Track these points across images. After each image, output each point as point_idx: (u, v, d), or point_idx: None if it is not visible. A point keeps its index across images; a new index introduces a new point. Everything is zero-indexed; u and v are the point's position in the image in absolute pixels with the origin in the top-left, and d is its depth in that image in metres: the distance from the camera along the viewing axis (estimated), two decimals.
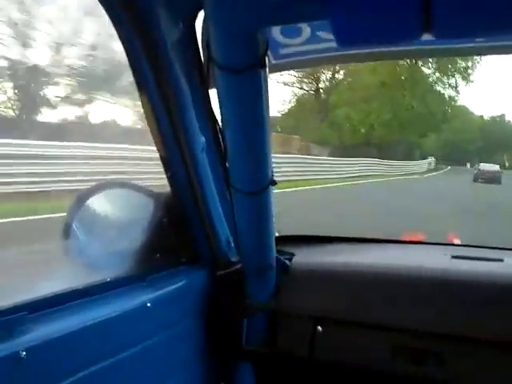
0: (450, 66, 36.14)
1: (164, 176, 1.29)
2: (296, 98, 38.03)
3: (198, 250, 1.40)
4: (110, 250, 1.35)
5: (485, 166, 31.97)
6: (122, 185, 1.52)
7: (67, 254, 1.40)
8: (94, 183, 1.45)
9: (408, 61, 31.90)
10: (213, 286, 1.41)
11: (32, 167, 9.49)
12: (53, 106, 11.05)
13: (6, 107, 10.13)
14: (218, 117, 1.21)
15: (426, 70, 37.83)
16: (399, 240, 1.93)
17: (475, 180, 29.55)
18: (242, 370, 1.52)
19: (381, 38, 0.88)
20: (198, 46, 1.17)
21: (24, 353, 0.83)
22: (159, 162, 1.26)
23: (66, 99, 10.89)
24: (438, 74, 37.69)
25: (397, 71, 34.96)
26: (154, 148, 1.24)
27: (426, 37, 0.84)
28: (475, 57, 30.54)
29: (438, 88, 38.34)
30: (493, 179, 28.56)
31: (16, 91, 10.05)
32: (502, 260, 1.48)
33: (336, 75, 37.20)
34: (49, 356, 0.90)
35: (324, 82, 37.73)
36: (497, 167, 32.04)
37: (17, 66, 9.19)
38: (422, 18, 0.78)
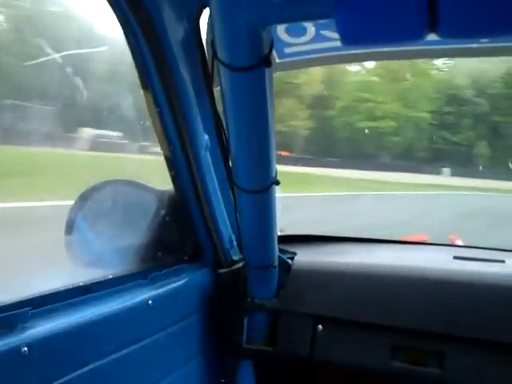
0: None
1: None
2: None
3: (201, 248, 1.41)
4: (112, 247, 1.36)
5: None
6: (126, 182, 1.52)
7: (70, 250, 1.40)
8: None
9: None
10: (214, 285, 1.41)
11: None
12: None
13: None
14: (222, 115, 1.21)
15: None
16: (401, 240, 1.93)
17: None
18: (242, 368, 1.52)
19: (386, 37, 0.88)
20: (202, 44, 1.17)
21: (26, 348, 0.83)
22: None
23: None
24: None
25: None
26: None
27: (432, 37, 0.84)
28: None
29: None
30: None
31: None
32: (503, 261, 1.48)
33: None
34: (50, 352, 0.90)
35: None
36: None
37: None
38: (428, 17, 0.78)
